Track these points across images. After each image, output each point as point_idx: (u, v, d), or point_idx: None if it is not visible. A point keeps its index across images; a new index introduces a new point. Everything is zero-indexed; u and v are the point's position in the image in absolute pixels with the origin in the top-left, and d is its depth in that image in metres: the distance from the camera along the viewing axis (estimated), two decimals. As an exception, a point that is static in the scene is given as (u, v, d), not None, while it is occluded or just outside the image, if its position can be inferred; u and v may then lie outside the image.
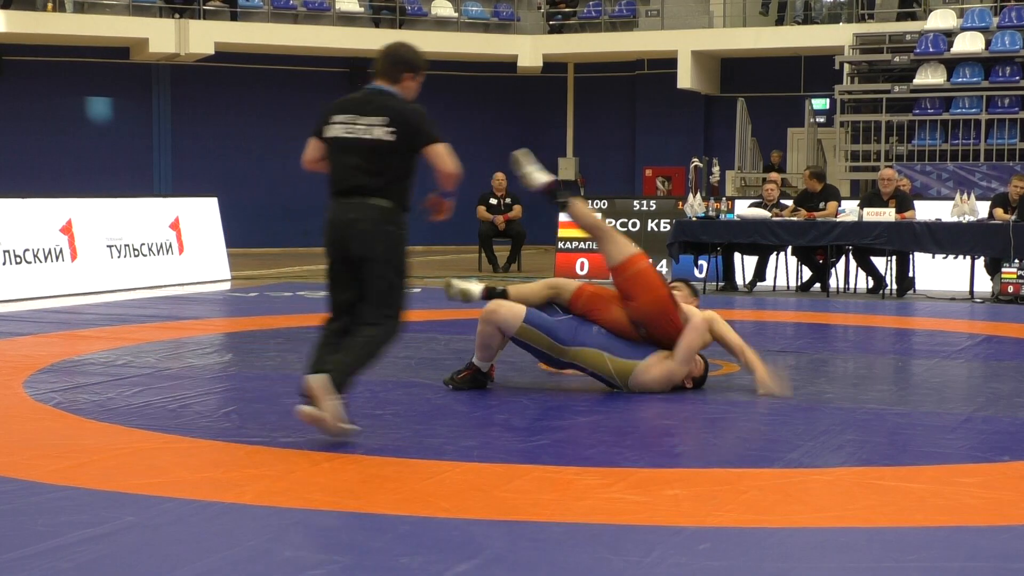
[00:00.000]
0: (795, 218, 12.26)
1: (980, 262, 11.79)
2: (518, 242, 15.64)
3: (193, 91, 20.41)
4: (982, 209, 11.95)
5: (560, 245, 14.45)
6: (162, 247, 12.68)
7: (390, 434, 4.94)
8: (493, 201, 15.69)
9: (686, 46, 19.99)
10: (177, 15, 19.19)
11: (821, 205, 12.49)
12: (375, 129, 4.74)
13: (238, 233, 16.30)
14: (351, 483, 4.12)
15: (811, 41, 19.47)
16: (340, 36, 20.24)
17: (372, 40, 20.47)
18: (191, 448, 4.68)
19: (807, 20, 20.05)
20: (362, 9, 20.90)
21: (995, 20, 17.99)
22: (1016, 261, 11.16)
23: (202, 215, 13.44)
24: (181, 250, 12.93)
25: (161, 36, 18.71)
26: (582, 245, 14.25)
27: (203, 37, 18.89)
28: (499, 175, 15.88)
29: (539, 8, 21.94)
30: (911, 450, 4.79)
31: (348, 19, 20.75)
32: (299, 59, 20.74)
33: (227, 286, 12.79)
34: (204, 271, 13.12)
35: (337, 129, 4.81)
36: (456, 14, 21.47)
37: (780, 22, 20.35)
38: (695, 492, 3.99)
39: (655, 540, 3.44)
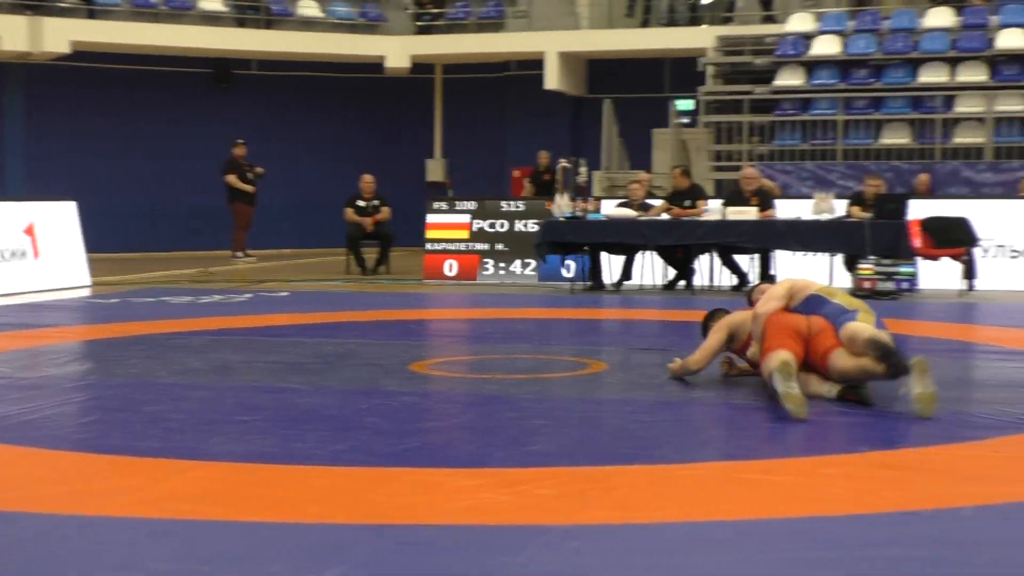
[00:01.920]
0: (664, 216, 12.45)
1: (839, 259, 12.14)
2: (387, 244, 15.54)
3: (48, 91, 19.80)
4: (840, 207, 12.30)
5: (428, 247, 14.41)
6: (15, 253, 12.27)
7: (257, 440, 4.86)
8: (361, 203, 15.55)
9: (553, 47, 20.17)
10: (29, 12, 18.60)
11: (687, 203, 12.71)
12: None
13: (99, 238, 15.87)
14: (217, 491, 4.04)
15: (675, 43, 19.79)
16: (203, 36, 19.88)
17: (236, 40, 20.21)
18: (50, 460, 4.54)
19: (671, 23, 20.38)
20: (226, 8, 20.55)
21: (851, 24, 18.54)
22: (872, 257, 11.52)
23: (59, 220, 13.04)
24: (36, 255, 12.53)
25: (12, 34, 18.11)
26: (450, 247, 14.24)
27: (58, 35, 18.36)
28: (367, 176, 15.76)
29: (406, 9, 21.85)
30: (776, 443, 4.89)
31: (212, 18, 20.38)
32: (161, 59, 20.30)
33: (87, 292, 12.45)
34: (62, 277, 12.74)
35: None
36: (322, 14, 21.27)
37: (645, 24, 20.65)
38: (564, 490, 4.01)
39: (525, 539, 3.45)
